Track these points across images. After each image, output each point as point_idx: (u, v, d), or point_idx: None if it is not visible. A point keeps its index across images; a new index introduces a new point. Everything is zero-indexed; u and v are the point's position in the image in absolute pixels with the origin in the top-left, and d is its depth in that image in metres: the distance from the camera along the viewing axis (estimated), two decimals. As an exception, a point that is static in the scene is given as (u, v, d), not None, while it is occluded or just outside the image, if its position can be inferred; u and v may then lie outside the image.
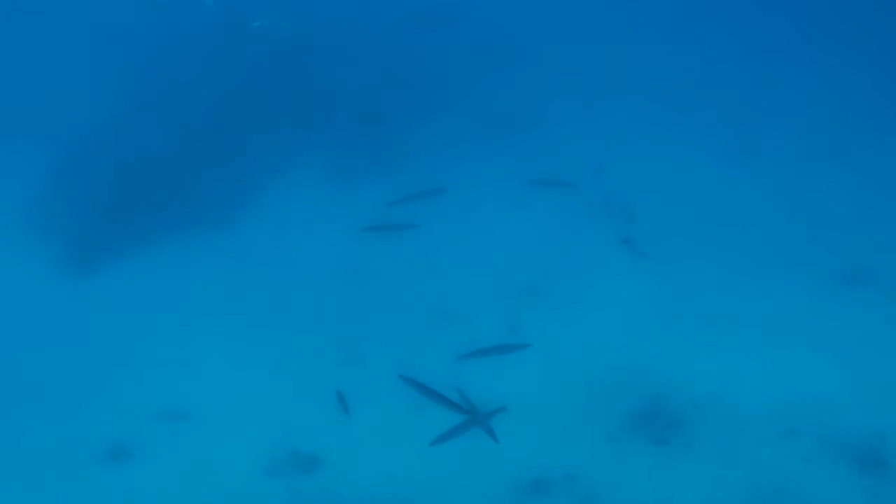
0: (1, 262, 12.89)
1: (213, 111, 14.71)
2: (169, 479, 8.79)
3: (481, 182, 13.69)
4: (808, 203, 12.90)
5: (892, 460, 8.36)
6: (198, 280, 12.11)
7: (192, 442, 9.34)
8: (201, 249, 12.78)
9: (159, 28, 16.88)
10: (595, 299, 11.10)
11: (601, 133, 15.07)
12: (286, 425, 9.44)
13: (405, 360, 9.77)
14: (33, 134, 15.57)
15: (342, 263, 12.14)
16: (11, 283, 12.41)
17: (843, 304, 10.68)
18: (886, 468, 8.29)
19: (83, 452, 9.28)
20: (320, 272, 12.03)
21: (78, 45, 17.17)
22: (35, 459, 9.19)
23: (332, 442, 9.13)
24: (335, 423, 9.26)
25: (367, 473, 8.72)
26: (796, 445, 8.71)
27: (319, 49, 16.12)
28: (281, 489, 8.64)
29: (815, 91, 16.18)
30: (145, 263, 12.58)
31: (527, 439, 8.94)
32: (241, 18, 16.26)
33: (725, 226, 12.40)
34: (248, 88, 15.17)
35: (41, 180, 14.22)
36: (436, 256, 12.18)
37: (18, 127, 15.96)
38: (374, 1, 17.63)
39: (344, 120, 15.29)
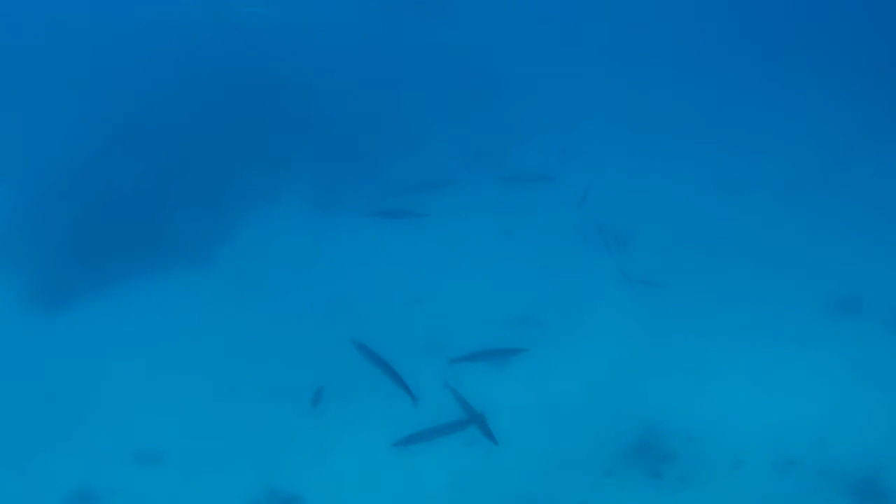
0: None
1: (190, 145, 14.52)
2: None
3: (468, 210, 13.45)
4: (799, 232, 12.92)
5: (892, 492, 8.20)
6: (173, 318, 11.72)
7: (165, 485, 8.93)
8: (177, 287, 12.41)
9: (133, 62, 16.76)
10: (587, 331, 10.91)
11: (587, 161, 15.01)
12: (264, 465, 9.09)
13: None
14: (1, 168, 15.22)
15: (324, 297, 11.82)
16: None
17: (837, 334, 10.59)
18: (886, 500, 8.13)
19: (47, 496, 8.81)
20: (301, 307, 11.70)
21: (48, 78, 16.95)
22: (-4, 504, 8.74)
23: (310, 480, 8.83)
24: (314, 462, 9.06)
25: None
26: (795, 478, 8.51)
27: (298, 83, 16.07)
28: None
29: (805, 119, 16.38)
30: (118, 301, 12.17)
31: (521, 473, 8.69)
32: (216, 53, 16.23)
33: (717, 256, 12.35)
34: (224, 122, 15.01)
35: (9, 215, 13.83)
36: (423, 287, 11.90)
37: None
38: (353, 34, 17.73)
39: (324, 150, 15.13)
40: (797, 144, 15.49)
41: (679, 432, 9.18)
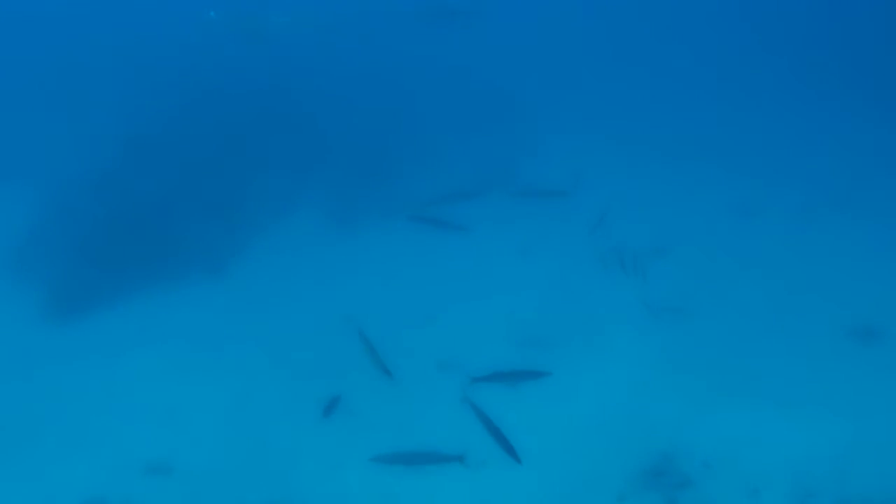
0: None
1: (206, 154, 14.57)
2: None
3: (484, 226, 13.38)
4: (818, 257, 12.70)
5: (913, 525, 7.98)
6: (187, 329, 11.74)
7: (176, 497, 8.92)
8: (191, 298, 12.45)
9: (149, 70, 16.89)
10: (602, 353, 10.77)
11: (602, 181, 14.92)
12: (274, 479, 9.06)
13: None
14: (19, 177, 15.36)
15: (338, 311, 11.79)
16: (-7, 329, 12.01)
17: (858, 361, 10.37)
18: (907, 534, 7.91)
19: (59, 506, 8.79)
20: (315, 321, 11.67)
21: (66, 87, 17.11)
22: (7, 514, 8.75)
23: (321, 495, 8.78)
24: (324, 476, 9.03)
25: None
26: (815, 510, 8.31)
27: (316, 95, 16.12)
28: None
29: (823, 144, 16.19)
30: (133, 311, 12.23)
31: (533, 495, 8.59)
32: (235, 64, 16.34)
33: (735, 280, 12.15)
34: (242, 132, 15.08)
35: (26, 225, 13.94)
36: (436, 305, 11.84)
37: (4, 170, 15.74)
38: (372, 46, 17.80)
39: (342, 163, 15.16)
40: (816, 167, 15.32)
41: (695, 459, 9.02)
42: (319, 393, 9.78)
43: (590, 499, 8.57)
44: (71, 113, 16.30)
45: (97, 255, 12.84)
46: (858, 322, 11.05)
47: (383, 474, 8.90)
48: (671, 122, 16.80)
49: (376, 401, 9.88)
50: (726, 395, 9.88)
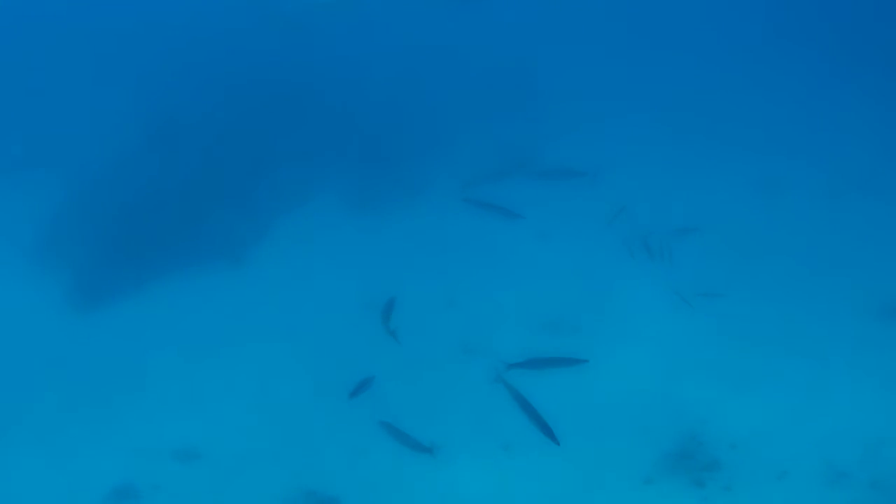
0: (9, 296, 12.59)
1: (226, 142, 14.55)
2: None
3: (511, 211, 13.29)
4: (845, 237, 12.47)
5: (948, 506, 7.86)
6: (210, 315, 11.78)
7: (204, 483, 9.01)
8: (213, 284, 12.47)
9: (170, 60, 16.87)
10: (628, 336, 10.65)
11: (627, 169, 14.70)
12: (302, 465, 9.09)
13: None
14: (43, 167, 15.44)
15: (359, 297, 11.78)
16: (19, 317, 12.09)
17: (886, 341, 10.20)
18: (941, 514, 7.79)
19: (88, 492, 8.92)
20: (337, 307, 11.67)
21: (87, 76, 17.15)
22: (37, 499, 8.85)
23: (349, 482, 8.80)
24: (351, 463, 9.06)
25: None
26: (845, 490, 8.23)
27: (334, 80, 16.03)
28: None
29: (848, 123, 15.86)
30: (157, 298, 12.26)
31: (559, 479, 8.58)
32: (254, 51, 16.30)
33: (761, 261, 11.95)
34: (260, 119, 15.03)
35: (51, 213, 14.00)
36: (456, 289, 11.79)
37: (28, 160, 15.84)
38: (390, 31, 17.66)
39: (360, 149, 15.09)
40: (841, 146, 15.04)
41: (722, 440, 8.94)
42: (342, 379, 9.78)
43: (617, 481, 8.54)
44: (94, 101, 16.33)
45: (121, 243, 12.89)
46: (888, 302, 10.85)
47: (409, 461, 8.92)
48: (695, 104, 16.50)
49: (402, 386, 9.87)
50: (754, 376, 9.76)
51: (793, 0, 19.58)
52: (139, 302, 12.20)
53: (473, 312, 11.31)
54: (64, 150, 15.52)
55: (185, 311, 11.96)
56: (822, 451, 8.66)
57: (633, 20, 19.68)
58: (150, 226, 13.13)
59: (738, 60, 18.31)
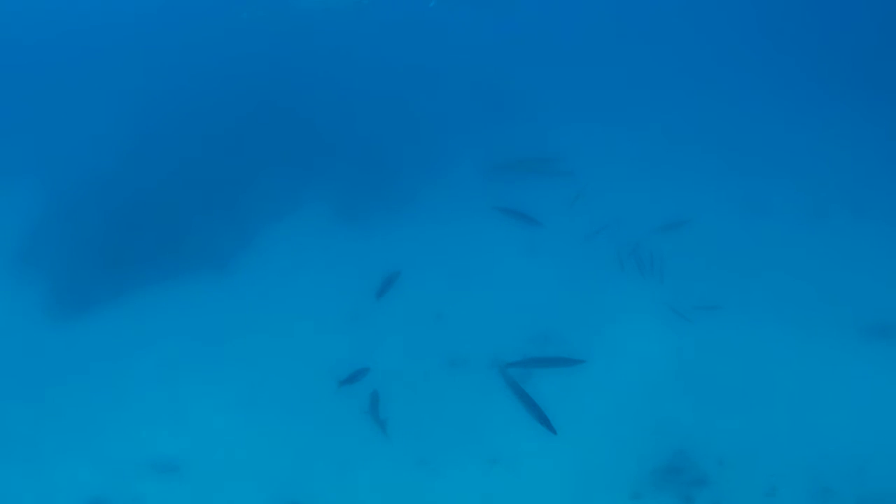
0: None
1: (212, 151, 14.44)
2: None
3: (490, 221, 13.25)
4: (830, 256, 12.54)
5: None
6: (192, 325, 11.61)
7: (184, 496, 8.84)
8: (196, 294, 12.30)
9: (154, 67, 16.78)
10: (616, 351, 10.63)
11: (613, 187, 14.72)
12: (285, 479, 8.97)
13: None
14: (24, 174, 15.22)
15: (346, 309, 11.66)
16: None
17: (873, 359, 10.23)
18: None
19: (63, 506, 8.68)
20: (322, 318, 11.54)
21: (72, 85, 17.00)
22: (10, 513, 8.63)
23: (330, 494, 8.70)
24: (334, 475, 8.95)
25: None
26: (832, 507, 8.21)
27: (322, 90, 16.01)
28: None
29: (836, 142, 16.01)
30: (137, 308, 12.07)
31: (546, 493, 8.53)
32: (242, 61, 16.24)
33: (748, 278, 11.98)
34: (248, 128, 14.95)
35: (32, 221, 13.79)
36: (443, 302, 11.70)
37: (9, 167, 15.61)
38: (379, 44, 17.70)
39: (347, 159, 15.02)
40: (827, 166, 15.18)
41: (710, 456, 8.92)
42: (328, 390, 9.66)
43: (605, 496, 8.48)
44: (76, 109, 16.17)
45: (102, 251, 12.71)
46: (873, 320, 10.92)
47: (394, 473, 8.81)
48: (683, 120, 16.64)
49: (390, 399, 9.74)
50: (742, 393, 9.76)
51: (780, 19, 19.87)
52: (119, 312, 12.01)
53: (461, 325, 11.22)
54: (44, 157, 15.33)
55: (167, 321, 11.78)
56: (810, 468, 8.66)
57: (622, 36, 19.92)
58: (132, 234, 12.96)
59: (726, 81, 18.53)
